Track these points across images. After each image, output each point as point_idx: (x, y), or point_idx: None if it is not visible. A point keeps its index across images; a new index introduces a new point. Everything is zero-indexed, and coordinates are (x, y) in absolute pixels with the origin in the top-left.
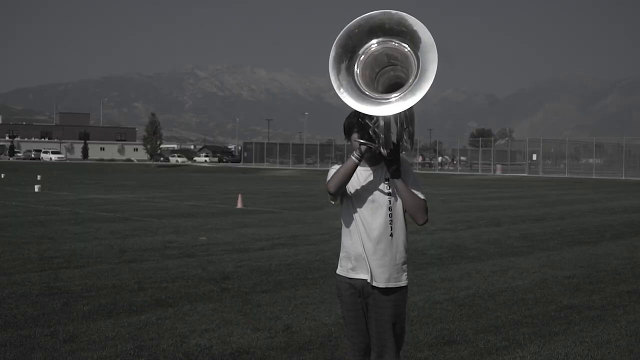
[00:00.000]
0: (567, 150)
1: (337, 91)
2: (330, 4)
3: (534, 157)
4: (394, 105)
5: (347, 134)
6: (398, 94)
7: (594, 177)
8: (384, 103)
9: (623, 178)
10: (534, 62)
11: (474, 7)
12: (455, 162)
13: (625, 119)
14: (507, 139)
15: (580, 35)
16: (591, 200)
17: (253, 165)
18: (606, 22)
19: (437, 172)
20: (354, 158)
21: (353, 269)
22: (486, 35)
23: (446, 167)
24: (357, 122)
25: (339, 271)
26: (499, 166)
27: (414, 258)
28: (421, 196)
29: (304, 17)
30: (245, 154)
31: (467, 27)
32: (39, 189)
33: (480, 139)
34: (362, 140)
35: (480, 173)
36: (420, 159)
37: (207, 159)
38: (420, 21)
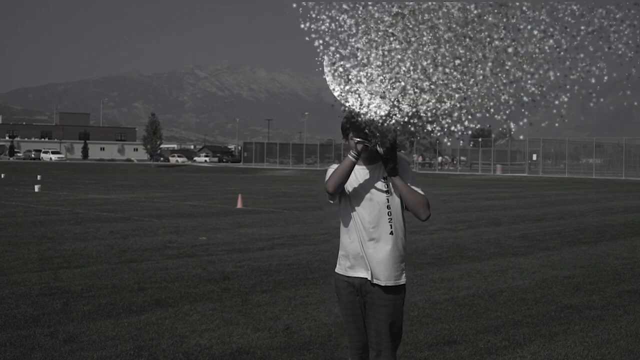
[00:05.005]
0: (567, 150)
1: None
2: None
3: (534, 157)
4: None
5: (345, 133)
6: None
7: (594, 177)
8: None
9: (623, 178)
10: None
11: None
12: (455, 162)
13: (625, 119)
14: (507, 139)
15: None
16: (591, 200)
17: (253, 165)
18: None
19: (437, 172)
20: (350, 157)
21: (351, 268)
22: None
23: (446, 167)
24: (353, 121)
25: (337, 270)
26: (499, 166)
27: (414, 258)
28: (421, 192)
29: None
30: (245, 154)
31: None
32: (39, 189)
33: (480, 139)
34: (358, 139)
35: (480, 173)
36: (420, 159)
37: (207, 159)
38: None
